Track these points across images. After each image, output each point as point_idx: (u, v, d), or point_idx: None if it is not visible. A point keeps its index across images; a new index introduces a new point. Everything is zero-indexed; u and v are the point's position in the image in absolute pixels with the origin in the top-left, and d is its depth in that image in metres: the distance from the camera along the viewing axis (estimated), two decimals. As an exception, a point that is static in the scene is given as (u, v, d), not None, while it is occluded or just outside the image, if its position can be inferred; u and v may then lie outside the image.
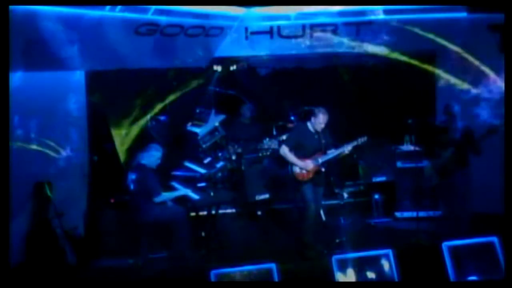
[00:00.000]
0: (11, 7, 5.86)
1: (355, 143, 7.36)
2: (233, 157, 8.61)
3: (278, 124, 9.25)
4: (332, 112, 7.35)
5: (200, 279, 5.48)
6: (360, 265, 5.41)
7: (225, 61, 9.38)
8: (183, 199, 7.57)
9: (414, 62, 8.92)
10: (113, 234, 7.85)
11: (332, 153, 7.34)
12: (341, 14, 8.36)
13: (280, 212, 8.99)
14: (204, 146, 8.97)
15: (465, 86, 8.47)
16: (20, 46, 6.40)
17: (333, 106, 7.57)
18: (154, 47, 7.80)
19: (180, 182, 8.32)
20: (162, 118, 9.38)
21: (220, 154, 8.73)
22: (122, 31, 7.36)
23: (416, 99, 8.97)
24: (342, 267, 5.35)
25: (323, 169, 7.33)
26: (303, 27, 8.53)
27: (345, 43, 8.54)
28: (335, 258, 5.38)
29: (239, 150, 8.67)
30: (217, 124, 9.08)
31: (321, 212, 8.18)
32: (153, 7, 7.34)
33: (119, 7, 7.06)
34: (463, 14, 8.22)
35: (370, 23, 8.39)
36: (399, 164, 8.72)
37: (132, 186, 7.27)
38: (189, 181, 8.23)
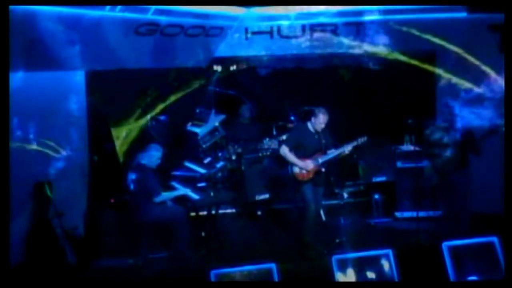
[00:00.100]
0: (11, 7, 5.86)
1: (355, 143, 7.36)
2: (233, 157, 8.61)
3: (278, 124, 9.25)
4: (332, 112, 7.35)
5: (200, 279, 5.48)
6: (360, 265, 5.40)
7: (225, 61, 9.38)
8: (183, 199, 7.57)
9: (414, 62, 8.92)
10: (113, 234, 7.86)
11: (332, 153, 7.34)
12: (341, 14, 8.36)
13: (280, 212, 8.99)
14: (204, 146, 8.97)
15: (465, 86, 8.47)
16: (20, 46, 6.39)
17: (333, 106, 7.58)
18: (154, 47, 7.80)
19: (180, 182, 8.32)
20: (162, 118, 9.38)
21: (220, 154, 8.73)
22: (122, 31, 7.36)
23: (416, 99, 8.97)
24: (342, 267, 5.35)
25: (323, 169, 7.34)
26: (303, 27, 8.53)
27: (345, 43, 8.54)
28: (335, 258, 5.38)
29: (239, 150, 8.68)
30: (217, 124, 9.07)
31: (321, 212, 8.19)
32: (153, 7, 7.34)
33: (119, 7, 7.06)
34: (463, 14, 8.22)
35: (370, 23, 8.38)
36: (399, 164, 8.72)
37: (132, 186, 7.28)
38: (189, 181, 8.23)
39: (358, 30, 8.44)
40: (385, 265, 5.45)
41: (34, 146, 7.17)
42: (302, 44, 8.59)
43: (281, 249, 7.59)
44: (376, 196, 8.87)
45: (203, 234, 7.65)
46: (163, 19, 7.57)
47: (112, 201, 8.12)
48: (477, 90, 8.30)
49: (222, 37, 8.42)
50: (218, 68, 9.63)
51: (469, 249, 5.55)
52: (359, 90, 9.65)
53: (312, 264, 6.91)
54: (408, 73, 9.02)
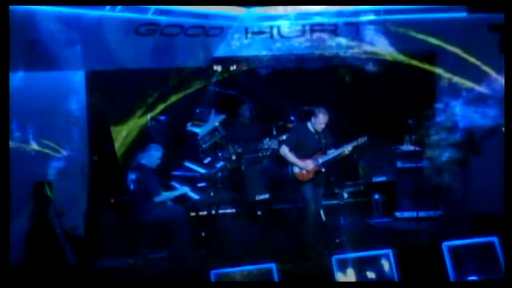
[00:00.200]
0: (11, 7, 5.86)
1: (355, 143, 7.36)
2: (233, 157, 8.61)
3: (278, 124, 9.25)
4: (332, 112, 7.35)
5: (200, 279, 5.48)
6: (360, 265, 5.41)
7: (225, 61, 9.37)
8: (183, 199, 7.57)
9: (414, 62, 8.92)
10: (113, 234, 7.85)
11: (332, 153, 7.34)
12: (341, 14, 8.35)
13: (280, 212, 8.99)
14: (204, 146, 8.96)
15: (465, 86, 8.47)
16: (20, 46, 6.39)
17: (333, 106, 7.58)
18: (154, 47, 7.80)
19: (180, 182, 8.31)
20: (162, 118, 9.37)
21: (220, 154, 8.73)
22: (122, 31, 7.36)
23: (416, 99, 8.97)
24: (342, 267, 5.35)
25: (323, 169, 7.34)
26: (303, 27, 8.53)
27: (345, 43, 8.54)
28: (335, 258, 5.39)
29: (239, 150, 8.68)
30: (217, 124, 9.07)
31: (321, 212, 8.19)
32: (153, 7, 7.34)
33: (119, 7, 7.06)
34: (463, 14, 8.22)
35: (370, 23, 8.38)
36: (399, 164, 8.72)
37: (132, 186, 7.28)
38: (189, 181, 8.22)
39: (358, 30, 8.44)
40: (385, 265, 5.45)
41: (34, 146, 7.17)
42: (302, 44, 8.59)
43: (281, 249, 7.59)
44: (376, 196, 8.87)
45: (203, 234, 7.65)
46: (163, 19, 7.57)
47: (112, 201, 8.11)
48: (477, 90, 8.31)
49: (222, 37, 8.41)
50: (218, 68, 9.63)
51: (469, 249, 5.55)
52: (359, 90, 9.64)
53: (312, 264, 6.91)
54: (408, 73, 9.01)
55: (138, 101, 9.23)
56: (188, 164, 8.90)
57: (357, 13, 8.33)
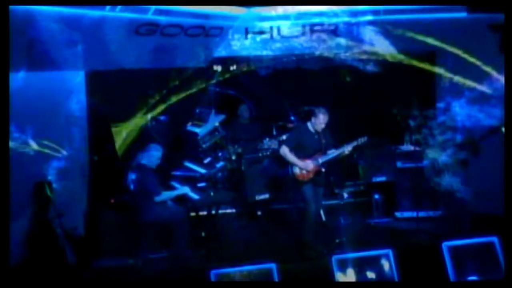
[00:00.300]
0: (11, 7, 5.86)
1: (355, 143, 7.36)
2: (233, 157, 8.61)
3: (278, 124, 9.25)
4: (332, 112, 7.34)
5: (200, 279, 5.48)
6: (360, 265, 5.41)
7: (225, 61, 9.37)
8: (183, 199, 7.57)
9: (414, 62, 8.91)
10: (113, 234, 7.84)
11: (332, 153, 7.34)
12: (341, 14, 8.35)
13: (280, 212, 8.99)
14: (204, 146, 8.96)
15: (465, 86, 8.46)
16: (20, 46, 6.39)
17: (333, 106, 7.57)
18: (154, 47, 7.80)
19: (180, 182, 8.31)
20: (162, 118, 9.37)
21: (220, 154, 8.73)
22: (122, 31, 7.36)
23: (416, 99, 8.96)
24: (342, 267, 5.36)
25: (323, 169, 7.34)
26: (303, 27, 8.52)
27: (345, 43, 8.54)
28: (335, 258, 5.39)
29: (239, 150, 8.68)
30: (217, 124, 9.07)
31: (321, 212, 8.19)
32: (153, 7, 7.34)
33: (119, 7, 7.06)
34: (463, 14, 8.22)
35: (370, 23, 8.38)
36: (399, 164, 8.72)
37: (132, 186, 7.28)
38: (189, 181, 8.22)
39: (358, 30, 8.43)
40: (385, 265, 5.46)
41: (34, 146, 7.17)
42: (302, 44, 8.58)
43: (281, 249, 7.59)
44: (376, 196, 8.87)
45: (203, 234, 7.64)
46: (163, 19, 7.57)
47: (112, 201, 8.11)
48: (477, 90, 8.30)
49: (222, 37, 8.41)
50: (218, 68, 9.62)
51: (469, 249, 5.56)
52: (359, 90, 9.64)
53: (312, 264, 6.90)
54: (408, 73, 9.01)
55: (138, 101, 9.22)
56: (188, 164, 8.90)
57: (357, 13, 8.33)
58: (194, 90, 9.67)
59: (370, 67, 8.95)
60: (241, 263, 5.37)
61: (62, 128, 7.44)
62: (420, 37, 8.42)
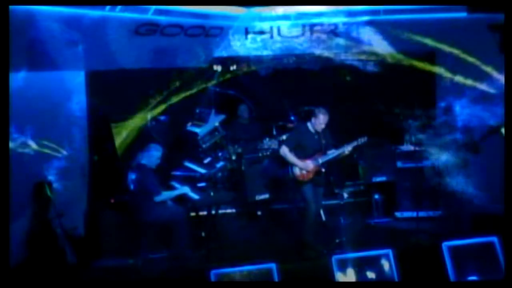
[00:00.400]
0: (11, 7, 5.86)
1: (355, 143, 7.36)
2: (233, 157, 8.61)
3: (278, 124, 9.25)
4: (332, 112, 7.34)
5: (200, 279, 5.48)
6: (360, 265, 5.41)
7: (225, 61, 9.37)
8: (183, 199, 7.57)
9: (414, 62, 8.91)
10: (113, 234, 7.84)
11: (332, 153, 7.34)
12: (341, 14, 8.35)
13: (280, 212, 8.99)
14: (204, 146, 8.96)
15: (465, 86, 8.46)
16: (20, 46, 6.39)
17: (333, 106, 7.57)
18: (154, 47, 7.80)
19: (180, 182, 8.31)
20: (162, 118, 9.37)
21: (220, 154, 8.73)
22: (122, 31, 7.36)
23: (416, 99, 8.96)
24: (342, 267, 5.36)
25: (323, 170, 7.34)
26: (303, 27, 8.53)
27: (345, 43, 8.54)
28: (335, 258, 5.39)
29: (239, 150, 8.68)
30: (217, 124, 9.07)
31: (321, 212, 8.19)
32: (153, 7, 7.34)
33: (119, 7, 7.06)
34: (463, 14, 8.22)
35: (370, 23, 8.38)
36: (399, 164, 8.72)
37: (132, 186, 7.28)
38: (189, 181, 8.22)
39: (358, 30, 8.44)
40: (385, 265, 5.46)
41: (34, 146, 7.16)
42: (302, 44, 8.58)
43: (281, 249, 7.59)
44: (376, 196, 8.87)
45: (203, 234, 7.64)
46: (163, 19, 7.57)
47: (112, 201, 8.11)
48: (477, 90, 8.30)
49: (222, 37, 8.42)
50: (218, 68, 9.61)
51: (469, 249, 5.56)
52: (359, 90, 9.64)
53: (312, 264, 6.90)
54: (408, 73, 9.01)
55: (138, 101, 9.22)
56: (188, 164, 8.90)
57: (356, 14, 8.33)
58: (194, 90, 9.67)
59: (370, 67, 8.96)
60: (241, 263, 5.38)
61: (62, 128, 7.44)
62: (420, 37, 8.42)
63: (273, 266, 5.28)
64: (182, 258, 7.16)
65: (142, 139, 8.95)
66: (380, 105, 9.49)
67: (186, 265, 7.09)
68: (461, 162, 7.23)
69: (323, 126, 7.28)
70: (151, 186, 7.20)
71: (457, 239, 5.62)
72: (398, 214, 8.71)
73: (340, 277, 5.32)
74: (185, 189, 7.63)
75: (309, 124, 7.37)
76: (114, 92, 8.48)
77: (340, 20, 8.40)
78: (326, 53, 8.72)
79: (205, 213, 7.92)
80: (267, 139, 8.76)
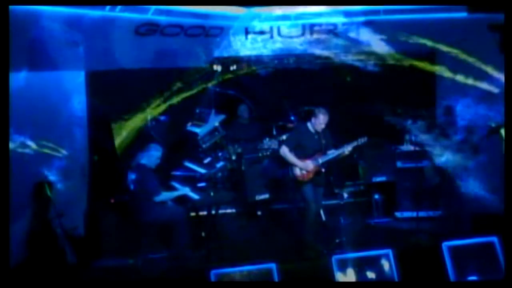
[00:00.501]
0: (11, 7, 5.85)
1: (355, 143, 7.36)
2: (233, 157, 8.60)
3: (278, 124, 9.24)
4: (332, 112, 7.34)
5: (200, 279, 5.48)
6: (360, 265, 5.41)
7: (225, 61, 9.37)
8: (183, 199, 7.57)
9: (414, 62, 8.91)
10: (113, 234, 7.84)
11: (332, 153, 7.34)
12: (341, 14, 8.35)
13: (280, 212, 8.99)
14: (204, 146, 8.95)
15: (465, 86, 8.46)
16: (20, 46, 6.39)
17: (333, 106, 7.57)
18: (154, 47, 7.80)
19: (180, 182, 8.31)
20: (162, 118, 9.36)
21: (220, 154, 8.73)
22: (122, 31, 7.36)
23: (416, 99, 8.96)
24: (342, 267, 5.36)
25: (323, 170, 7.34)
26: (303, 27, 8.53)
27: (345, 43, 8.54)
28: (335, 258, 5.39)
29: (239, 150, 8.67)
30: (217, 124, 9.06)
31: (321, 212, 8.18)
32: (153, 7, 7.34)
33: (119, 7, 7.07)
34: (463, 14, 8.22)
35: (370, 23, 8.38)
36: (399, 164, 8.72)
37: (132, 186, 7.28)
38: (189, 181, 8.22)
39: (358, 30, 8.44)
40: (385, 265, 5.46)
41: (34, 146, 7.16)
42: (302, 44, 8.59)
43: (281, 249, 7.59)
44: (376, 196, 8.87)
45: (203, 234, 7.64)
46: (163, 19, 7.58)
47: (112, 201, 8.11)
48: (477, 90, 8.30)
49: (222, 37, 8.42)
50: (218, 68, 9.61)
51: (469, 249, 5.56)
52: (359, 90, 9.64)
53: (312, 264, 6.90)
54: (408, 73, 9.01)
55: (138, 101, 9.22)
56: (188, 164, 8.89)
57: (357, 14, 8.33)
58: (194, 90, 9.67)
59: (370, 67, 8.95)
60: (241, 263, 5.37)
61: (62, 128, 7.44)
62: (420, 37, 8.42)
63: (273, 266, 5.28)
64: (182, 258, 7.16)
65: (142, 139, 8.94)
66: (380, 105, 9.50)
67: (186, 265, 7.09)
68: (461, 162, 7.23)
69: (323, 126, 7.28)
70: (151, 186, 7.20)
71: (457, 239, 5.62)
72: (398, 214, 8.71)
73: (340, 277, 5.32)
74: (185, 190, 7.63)
75: (309, 124, 7.37)
76: (114, 92, 8.47)
77: (340, 20, 8.40)
78: (326, 53, 8.72)
79: (205, 213, 7.92)
80: (267, 139, 8.75)
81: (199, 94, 9.62)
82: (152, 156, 7.33)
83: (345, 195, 8.01)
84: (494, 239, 5.57)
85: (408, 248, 6.94)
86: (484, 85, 8.31)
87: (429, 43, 8.47)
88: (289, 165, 7.34)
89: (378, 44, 8.48)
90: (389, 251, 5.49)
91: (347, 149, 7.35)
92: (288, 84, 9.59)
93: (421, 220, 8.05)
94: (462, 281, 5.39)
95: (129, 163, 7.65)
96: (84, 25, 6.91)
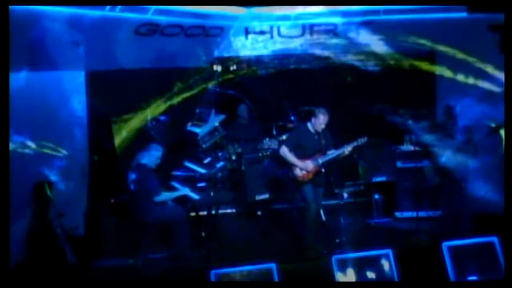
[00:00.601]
0: (11, 7, 5.85)
1: (355, 143, 7.36)
2: (233, 157, 8.60)
3: (278, 124, 9.24)
4: (332, 112, 7.34)
5: (200, 279, 5.48)
6: (360, 265, 5.41)
7: (225, 61, 9.37)
8: (183, 199, 7.57)
9: (414, 62, 8.92)
10: (113, 234, 7.85)
11: (332, 153, 7.34)
12: (341, 14, 8.35)
13: (280, 212, 8.99)
14: (204, 146, 8.95)
15: (465, 86, 8.47)
16: (20, 46, 6.39)
17: (333, 106, 7.57)
18: (154, 47, 7.80)
19: (180, 182, 8.31)
20: (162, 118, 9.36)
21: (220, 154, 8.72)
22: (122, 31, 7.37)
23: (416, 99, 8.97)
24: (342, 267, 5.36)
25: (323, 170, 7.34)
26: (303, 27, 8.53)
27: (345, 43, 8.54)
28: (335, 258, 5.39)
29: (239, 150, 8.67)
30: (217, 124, 9.06)
31: (321, 212, 8.18)
32: (153, 7, 7.34)
33: (119, 7, 7.07)
34: (463, 14, 8.22)
35: (370, 23, 8.38)
36: (399, 164, 8.72)
37: (132, 186, 7.28)
38: (189, 181, 8.22)
39: (358, 30, 8.44)
40: (385, 265, 5.46)
41: (34, 147, 7.16)
42: (302, 44, 8.59)
43: (281, 249, 7.59)
44: (376, 196, 8.87)
45: (203, 234, 7.64)
46: (163, 19, 7.58)
47: (112, 201, 8.11)
48: (477, 90, 8.30)
49: (222, 37, 8.42)
50: (218, 68, 9.62)
51: (469, 249, 5.56)
52: (359, 90, 9.64)
53: (312, 264, 6.90)
54: (408, 73, 9.01)
55: (138, 101, 9.23)
56: (188, 164, 8.89)
57: (356, 14, 8.33)
58: (194, 90, 9.67)
59: (370, 67, 8.95)
60: (241, 263, 5.37)
61: (62, 128, 7.44)
62: (420, 37, 8.42)
63: (273, 266, 5.28)
64: (182, 258, 7.16)
65: (142, 139, 8.94)
66: (380, 105, 9.50)
67: (186, 265, 7.09)
68: (461, 162, 7.23)
69: (323, 126, 7.27)
70: (152, 186, 7.20)
71: (457, 239, 5.62)
72: (398, 214, 8.71)
73: (340, 277, 5.32)
74: (185, 191, 7.63)
75: (309, 124, 7.37)
76: (114, 92, 8.48)
77: (340, 20, 8.40)
78: (326, 53, 8.73)
79: (205, 213, 7.92)
80: (267, 139, 8.75)
81: (199, 94, 9.62)
82: (152, 156, 7.33)
83: (345, 195, 8.01)
84: (494, 239, 5.57)
85: (408, 248, 6.94)
86: (484, 85, 8.31)
87: (429, 43, 8.47)
88: (289, 165, 7.34)
89: (378, 44, 8.49)
90: (389, 251, 5.49)
91: (347, 149, 7.35)
92: (288, 84, 9.59)
93: (421, 220, 8.05)
94: (462, 281, 5.39)
95: (129, 163, 7.65)
96: (84, 25, 6.91)
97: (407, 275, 5.46)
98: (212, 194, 7.77)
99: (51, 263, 6.95)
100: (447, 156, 7.21)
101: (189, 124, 9.50)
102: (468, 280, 5.41)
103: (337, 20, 8.40)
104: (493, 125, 7.22)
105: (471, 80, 8.46)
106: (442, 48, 8.54)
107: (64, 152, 7.41)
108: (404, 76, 9.12)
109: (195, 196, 7.65)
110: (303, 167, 7.24)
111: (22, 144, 7.04)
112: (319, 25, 8.48)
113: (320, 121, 7.22)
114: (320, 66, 9.19)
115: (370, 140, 7.48)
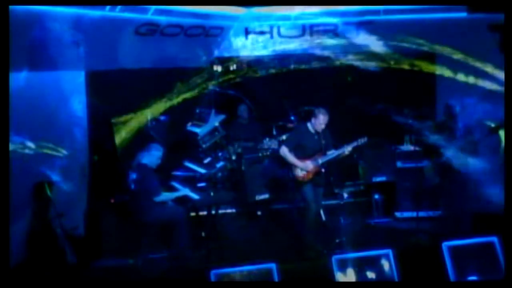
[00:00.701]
0: (11, 7, 5.86)
1: (355, 143, 7.36)
2: (233, 157, 8.61)
3: (278, 124, 9.24)
4: (332, 112, 7.34)
5: (200, 279, 5.48)
6: (360, 265, 5.41)
7: (225, 61, 9.38)
8: (183, 199, 7.57)
9: (414, 62, 8.92)
10: (113, 234, 7.85)
11: (332, 154, 7.34)
12: (341, 14, 8.36)
13: (280, 212, 8.99)
14: (204, 146, 8.95)
15: (465, 86, 8.47)
16: (20, 46, 6.39)
17: (333, 106, 7.57)
18: (154, 47, 7.81)
19: (180, 182, 8.31)
20: (162, 118, 9.36)
21: (220, 154, 8.73)
22: (122, 31, 7.37)
23: (416, 99, 8.97)
24: (342, 267, 5.35)
25: (323, 170, 7.34)
26: (303, 27, 8.54)
27: (345, 43, 8.55)
28: (335, 258, 5.39)
29: (239, 150, 8.68)
30: (217, 124, 9.06)
31: (321, 212, 8.18)
32: (153, 7, 7.35)
33: (119, 7, 7.07)
34: (463, 14, 8.23)
35: (370, 23, 8.38)
36: (399, 164, 8.72)
37: (132, 186, 7.28)
38: (189, 181, 8.22)
39: (358, 30, 8.44)
40: (385, 265, 5.46)
41: (34, 147, 7.17)
42: (302, 44, 8.59)
43: (281, 249, 7.59)
44: (376, 196, 8.87)
45: (203, 234, 7.64)
46: (163, 19, 7.59)
47: (112, 201, 8.11)
48: (477, 90, 8.31)
49: (222, 37, 8.43)
50: (218, 68, 9.62)
51: (469, 249, 5.55)
52: (359, 90, 9.64)
53: (312, 264, 6.90)
54: (408, 73, 9.01)
55: (138, 101, 9.23)
56: (188, 164, 8.89)
57: (357, 13, 8.33)
58: (194, 90, 9.68)
59: (370, 67, 8.96)
60: (241, 263, 5.37)
61: (63, 128, 7.44)
62: (420, 37, 8.42)
63: (273, 266, 5.27)
64: (182, 258, 7.16)
65: (142, 139, 8.95)
66: (380, 105, 9.50)
67: (186, 265, 7.09)
68: (461, 162, 7.23)
69: (323, 126, 7.27)
70: (152, 186, 7.20)
71: (457, 239, 5.62)
72: (398, 214, 8.71)
73: (340, 277, 5.32)
74: (185, 191, 7.63)
75: (309, 124, 7.37)
76: (114, 92, 8.48)
77: (340, 20, 8.40)
78: (326, 53, 8.73)
79: (205, 213, 7.92)
80: (267, 139, 8.76)
81: (199, 94, 9.62)
82: (153, 156, 7.33)
83: (345, 195, 8.01)
84: (494, 239, 5.57)
85: (408, 248, 6.94)
86: (484, 85, 8.32)
87: (429, 43, 8.48)
88: (289, 165, 7.34)
89: (378, 44, 8.49)
90: (389, 251, 5.49)
91: (347, 149, 7.35)
92: (288, 84, 9.59)
93: (421, 220, 8.05)
94: (462, 281, 5.39)
95: (129, 163, 7.65)
96: (84, 25, 6.91)
97: (407, 275, 5.46)
98: (212, 194, 7.77)
99: (51, 263, 6.95)
100: (447, 156, 7.20)
101: (189, 124, 9.50)
102: (468, 280, 5.41)
103: (337, 20, 8.41)
104: (493, 125, 7.21)
105: (471, 80, 8.47)
106: (442, 48, 8.55)
107: (64, 152, 7.41)
108: (404, 76, 9.13)
109: (195, 196, 7.65)
110: (303, 167, 7.24)
111: (22, 144, 7.05)
112: (319, 25, 8.49)
113: (320, 121, 7.22)
114: (320, 66, 9.20)
115: (370, 140, 7.48)
